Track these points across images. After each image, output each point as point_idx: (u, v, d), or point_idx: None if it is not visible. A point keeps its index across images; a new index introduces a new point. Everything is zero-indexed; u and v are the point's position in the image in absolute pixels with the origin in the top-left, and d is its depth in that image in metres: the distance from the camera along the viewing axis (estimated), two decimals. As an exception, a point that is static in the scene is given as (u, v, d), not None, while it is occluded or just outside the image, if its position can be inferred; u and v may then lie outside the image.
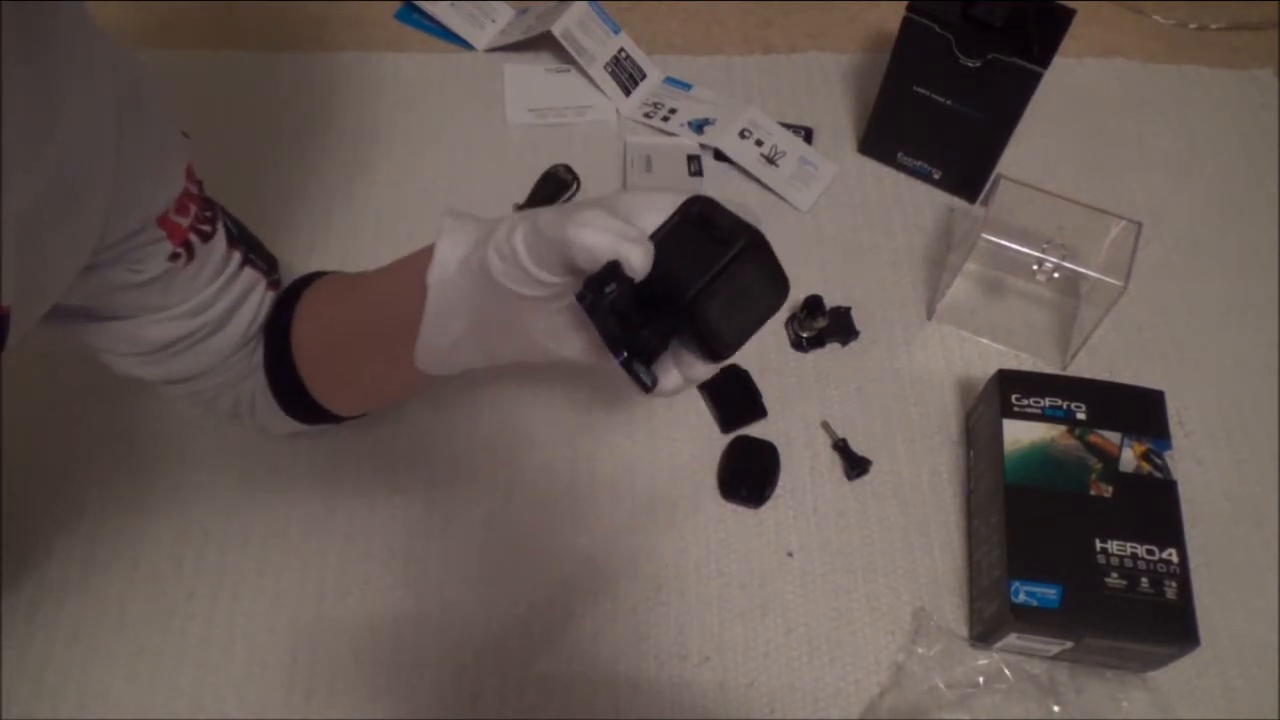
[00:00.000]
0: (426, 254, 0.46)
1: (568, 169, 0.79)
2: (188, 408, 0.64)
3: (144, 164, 0.44)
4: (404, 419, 0.67)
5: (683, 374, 0.43)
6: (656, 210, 0.41)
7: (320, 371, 0.56)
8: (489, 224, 0.45)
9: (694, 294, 0.38)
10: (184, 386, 0.56)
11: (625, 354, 0.40)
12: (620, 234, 0.38)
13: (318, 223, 0.75)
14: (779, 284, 0.41)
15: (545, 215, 0.40)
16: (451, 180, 0.79)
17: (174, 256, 0.48)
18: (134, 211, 0.45)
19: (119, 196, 0.43)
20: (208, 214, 0.50)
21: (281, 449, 0.65)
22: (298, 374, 0.56)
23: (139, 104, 0.43)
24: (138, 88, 0.43)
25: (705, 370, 0.42)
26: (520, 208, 0.76)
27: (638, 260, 0.38)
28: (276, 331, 0.56)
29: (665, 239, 0.40)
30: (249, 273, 0.54)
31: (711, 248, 0.39)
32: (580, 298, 0.39)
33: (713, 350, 0.40)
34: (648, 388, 0.41)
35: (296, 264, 0.60)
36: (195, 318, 0.52)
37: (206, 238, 0.50)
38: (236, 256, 0.53)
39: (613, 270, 0.38)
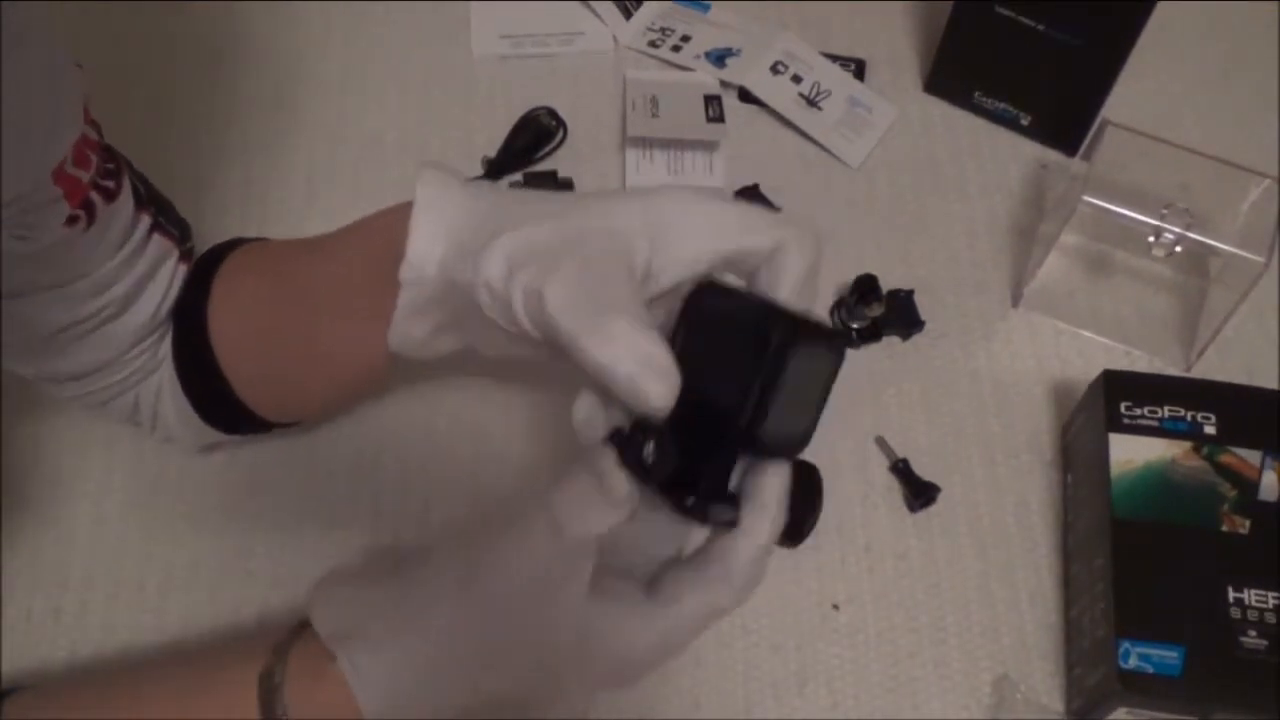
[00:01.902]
0: (394, 220, 0.47)
1: (551, 113, 0.79)
2: (74, 409, 0.65)
3: (32, 106, 0.44)
4: (343, 428, 0.67)
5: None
6: (713, 234, 0.42)
7: (250, 366, 0.56)
8: (475, 205, 0.45)
9: (747, 423, 0.40)
10: (74, 385, 0.56)
11: (692, 500, 0.41)
12: (643, 360, 0.39)
13: (232, 181, 0.76)
14: (836, 352, 0.42)
15: (557, 285, 0.40)
16: (402, 128, 0.79)
17: (72, 220, 0.48)
18: (23, 165, 0.45)
19: (5, 148, 0.43)
20: (110, 167, 0.51)
21: (187, 467, 0.65)
22: (219, 370, 0.56)
23: (18, 37, 0.43)
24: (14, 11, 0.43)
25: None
26: (491, 162, 0.77)
27: (657, 399, 0.39)
28: (189, 316, 0.56)
29: (685, 345, 0.41)
30: (159, 241, 0.55)
31: (744, 348, 0.40)
32: (616, 446, 0.41)
33: (788, 455, 0.42)
34: (734, 522, 0.42)
35: (205, 233, 0.60)
36: (95, 298, 0.52)
37: (110, 196, 0.50)
38: (145, 220, 0.54)
39: (646, 425, 0.40)
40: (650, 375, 0.39)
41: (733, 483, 0.43)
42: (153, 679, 0.50)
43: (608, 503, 0.41)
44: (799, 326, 0.40)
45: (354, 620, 0.44)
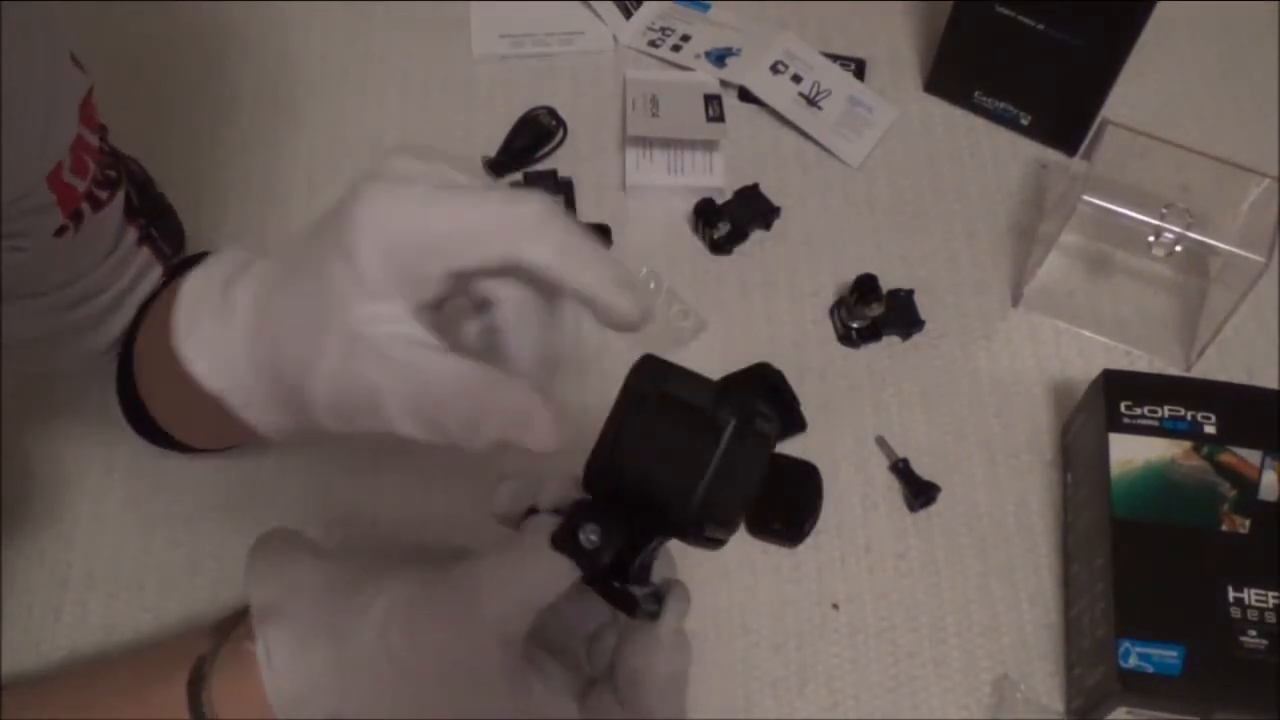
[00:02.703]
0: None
1: (551, 113, 0.79)
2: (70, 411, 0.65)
3: (29, 106, 0.44)
4: (342, 433, 0.67)
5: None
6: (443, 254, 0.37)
7: (158, 391, 0.54)
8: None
9: (696, 509, 0.38)
10: (43, 382, 0.55)
11: (619, 587, 0.40)
12: (520, 418, 0.37)
13: (231, 184, 0.76)
14: (774, 429, 0.41)
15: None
16: (403, 128, 0.79)
17: (60, 231, 0.48)
18: (19, 171, 0.44)
19: (3, 154, 0.42)
20: (110, 173, 0.50)
21: (187, 467, 0.65)
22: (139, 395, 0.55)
23: (15, 35, 0.42)
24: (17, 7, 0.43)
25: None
26: (491, 162, 0.77)
27: (539, 443, 0.36)
28: (129, 337, 0.55)
29: (625, 427, 0.39)
30: (145, 254, 0.54)
31: (689, 434, 0.38)
32: (558, 545, 0.39)
33: (718, 544, 0.41)
34: (657, 614, 0.41)
35: (205, 232, 0.60)
36: (73, 309, 0.52)
37: (99, 205, 0.50)
38: (133, 233, 0.53)
39: (589, 508, 0.39)
40: (531, 421, 0.37)
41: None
42: (101, 673, 0.49)
43: (537, 589, 0.39)
44: (748, 412, 0.39)
45: (288, 591, 0.42)
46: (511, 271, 0.38)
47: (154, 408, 0.55)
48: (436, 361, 0.37)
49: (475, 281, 0.39)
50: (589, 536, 0.39)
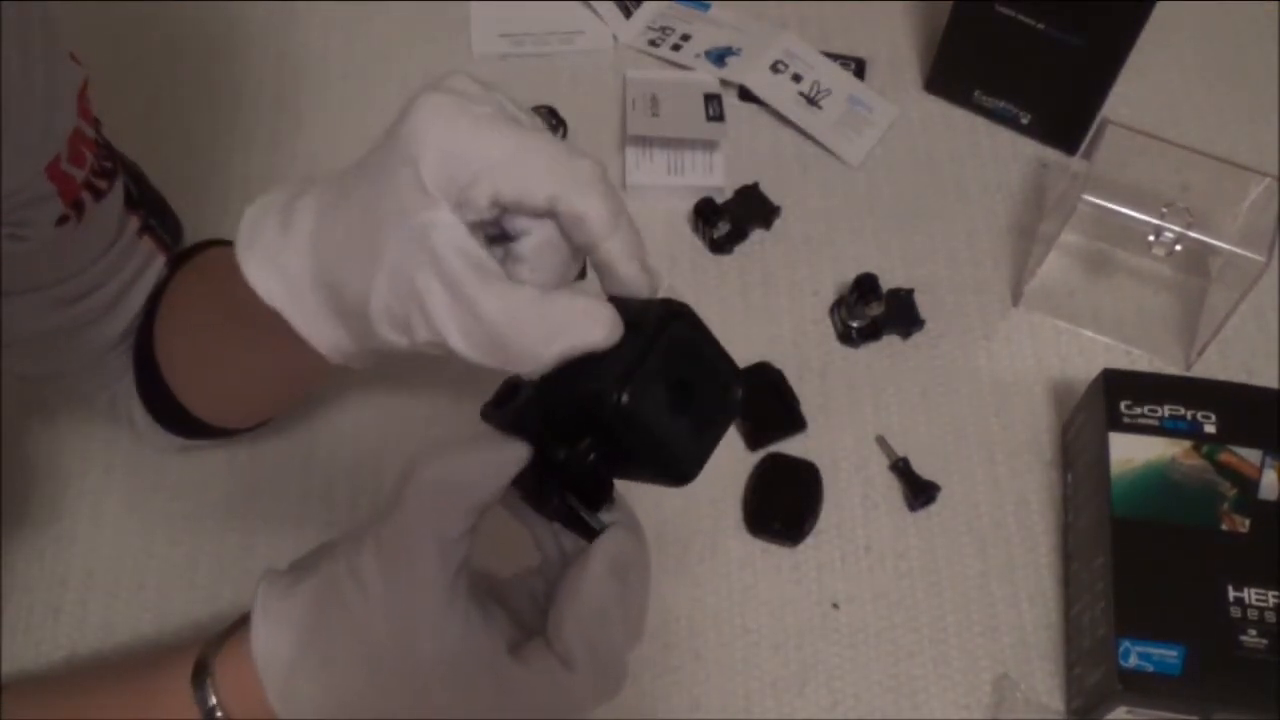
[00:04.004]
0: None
1: (551, 112, 0.79)
2: (58, 401, 0.65)
3: (28, 99, 0.44)
4: (343, 428, 0.67)
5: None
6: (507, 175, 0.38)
7: (189, 378, 0.55)
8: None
9: (622, 395, 0.36)
10: (50, 384, 0.55)
11: (558, 498, 0.39)
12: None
13: (231, 181, 0.76)
14: (725, 370, 0.40)
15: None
16: (403, 127, 0.79)
17: (62, 220, 0.48)
18: (20, 163, 0.44)
19: (5, 145, 0.42)
20: (107, 164, 0.50)
21: (187, 467, 0.65)
22: (162, 376, 0.55)
23: (26, 26, 0.42)
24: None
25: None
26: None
27: (605, 333, 0.36)
28: (144, 323, 0.55)
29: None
30: (147, 244, 0.54)
31: (625, 338, 0.37)
32: (486, 416, 0.40)
33: (669, 471, 0.39)
34: (596, 532, 0.40)
35: (205, 233, 0.60)
36: (75, 304, 0.52)
37: (100, 195, 0.50)
38: (134, 223, 0.53)
39: (517, 384, 0.39)
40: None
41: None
42: (103, 674, 0.49)
43: (466, 481, 0.38)
44: (687, 313, 0.38)
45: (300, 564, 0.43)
46: (546, 215, 0.39)
47: (180, 386, 0.56)
48: (486, 290, 0.37)
49: (509, 215, 0.40)
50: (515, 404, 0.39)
